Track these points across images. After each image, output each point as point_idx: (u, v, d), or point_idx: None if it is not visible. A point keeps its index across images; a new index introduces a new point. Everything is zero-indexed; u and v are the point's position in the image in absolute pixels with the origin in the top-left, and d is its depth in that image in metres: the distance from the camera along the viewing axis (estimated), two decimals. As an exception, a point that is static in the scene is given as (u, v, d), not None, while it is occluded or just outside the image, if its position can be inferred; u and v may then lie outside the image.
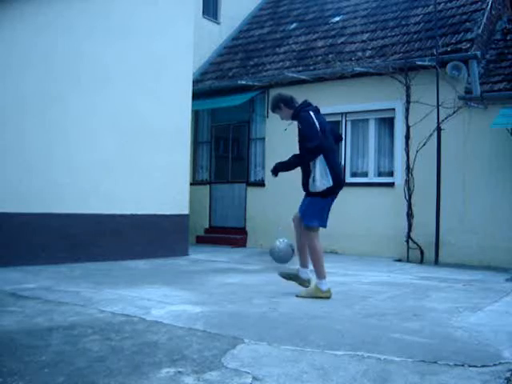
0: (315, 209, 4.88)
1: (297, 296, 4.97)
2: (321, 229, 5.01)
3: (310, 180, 4.82)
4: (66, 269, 6.71)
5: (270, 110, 5.24)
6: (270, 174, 5.13)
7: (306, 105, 5.07)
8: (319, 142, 4.72)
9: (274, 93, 10.75)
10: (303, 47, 11.38)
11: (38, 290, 5.12)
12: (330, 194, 4.88)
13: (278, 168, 5.04)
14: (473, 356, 3.10)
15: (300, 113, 4.94)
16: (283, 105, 5.09)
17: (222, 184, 11.79)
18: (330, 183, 4.78)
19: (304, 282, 5.09)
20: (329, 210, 4.98)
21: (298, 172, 5.05)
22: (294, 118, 5.07)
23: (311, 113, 4.90)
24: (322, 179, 4.76)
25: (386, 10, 11.19)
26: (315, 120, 4.83)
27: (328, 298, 4.89)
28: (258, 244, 10.71)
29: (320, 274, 4.93)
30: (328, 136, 4.91)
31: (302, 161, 4.92)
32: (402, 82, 9.19)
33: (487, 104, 8.56)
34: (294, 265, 5.46)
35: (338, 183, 4.91)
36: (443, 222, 8.66)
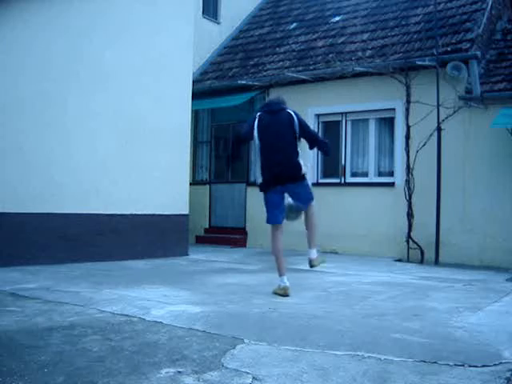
0: (265, 206, 5.24)
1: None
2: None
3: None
4: (66, 269, 6.71)
5: None
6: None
7: (263, 105, 5.54)
8: (236, 132, 5.57)
9: (274, 93, 10.82)
10: (303, 47, 11.37)
11: (38, 290, 5.12)
12: (266, 189, 5.17)
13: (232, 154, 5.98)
14: (473, 356, 3.09)
15: None
16: None
17: (221, 184, 11.78)
18: (260, 180, 5.20)
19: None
20: (274, 204, 5.19)
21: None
22: None
23: (258, 113, 5.28)
24: (257, 175, 5.29)
25: (386, 10, 11.18)
26: (253, 120, 5.22)
27: (283, 295, 5.00)
28: (258, 244, 10.70)
29: (278, 271, 5.14)
30: (266, 134, 5.14)
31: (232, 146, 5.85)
32: (402, 81, 9.18)
33: (487, 104, 8.56)
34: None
35: (268, 181, 5.14)
36: (443, 221, 8.66)
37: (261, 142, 5.12)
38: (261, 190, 5.21)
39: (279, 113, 5.22)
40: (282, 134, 5.11)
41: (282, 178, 5.09)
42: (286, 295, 4.98)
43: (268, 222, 5.20)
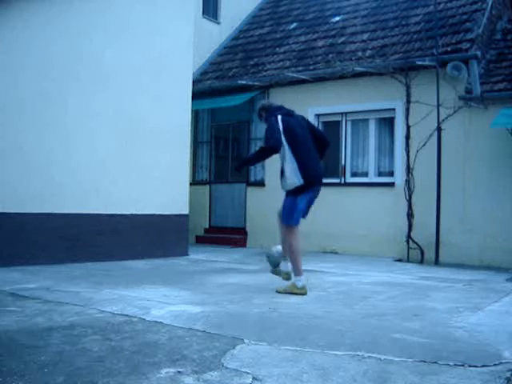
0: (288, 207, 5.11)
1: (276, 291, 5.18)
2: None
3: (283, 179, 5.16)
4: (66, 269, 6.71)
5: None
6: (236, 168, 5.60)
7: (277, 109, 5.35)
8: (274, 142, 4.98)
9: (274, 93, 10.84)
10: (303, 47, 11.38)
11: (38, 290, 5.12)
12: (301, 192, 5.05)
13: (242, 163, 5.79)
14: (473, 356, 3.09)
15: (268, 117, 5.27)
16: (264, 112, 5.43)
17: (221, 184, 11.78)
18: (301, 182, 5.01)
19: (283, 275, 5.35)
20: (308, 206, 5.18)
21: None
22: (266, 121, 5.38)
23: (279, 117, 5.13)
24: (291, 178, 5.03)
25: (386, 10, 11.18)
26: (280, 123, 5.06)
27: (303, 294, 5.07)
28: (258, 244, 10.70)
29: (296, 271, 5.13)
30: (298, 137, 5.09)
31: (258, 156, 5.42)
32: (402, 81, 9.19)
33: (487, 104, 8.56)
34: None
35: (310, 182, 5.05)
36: (443, 222, 8.66)
37: (296, 143, 5.04)
38: (299, 192, 5.03)
39: (296, 116, 5.32)
40: (308, 136, 5.19)
41: (322, 178, 5.23)
42: (305, 294, 5.07)
43: (296, 223, 5.10)
